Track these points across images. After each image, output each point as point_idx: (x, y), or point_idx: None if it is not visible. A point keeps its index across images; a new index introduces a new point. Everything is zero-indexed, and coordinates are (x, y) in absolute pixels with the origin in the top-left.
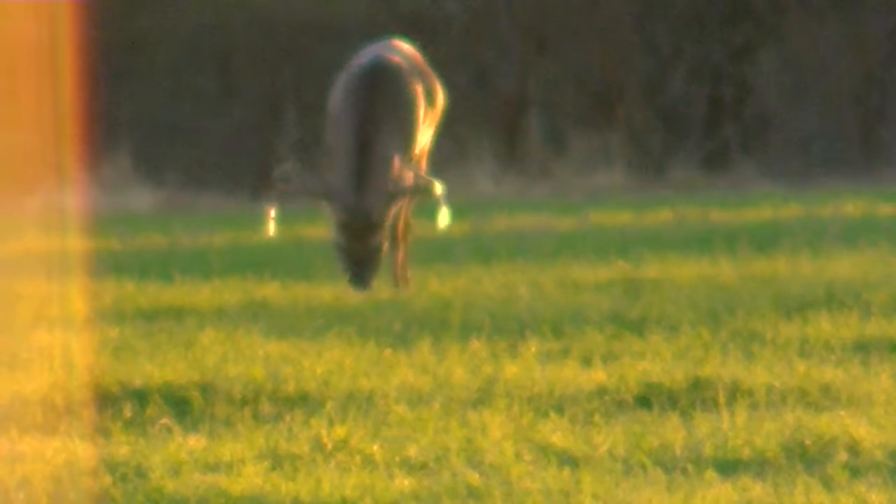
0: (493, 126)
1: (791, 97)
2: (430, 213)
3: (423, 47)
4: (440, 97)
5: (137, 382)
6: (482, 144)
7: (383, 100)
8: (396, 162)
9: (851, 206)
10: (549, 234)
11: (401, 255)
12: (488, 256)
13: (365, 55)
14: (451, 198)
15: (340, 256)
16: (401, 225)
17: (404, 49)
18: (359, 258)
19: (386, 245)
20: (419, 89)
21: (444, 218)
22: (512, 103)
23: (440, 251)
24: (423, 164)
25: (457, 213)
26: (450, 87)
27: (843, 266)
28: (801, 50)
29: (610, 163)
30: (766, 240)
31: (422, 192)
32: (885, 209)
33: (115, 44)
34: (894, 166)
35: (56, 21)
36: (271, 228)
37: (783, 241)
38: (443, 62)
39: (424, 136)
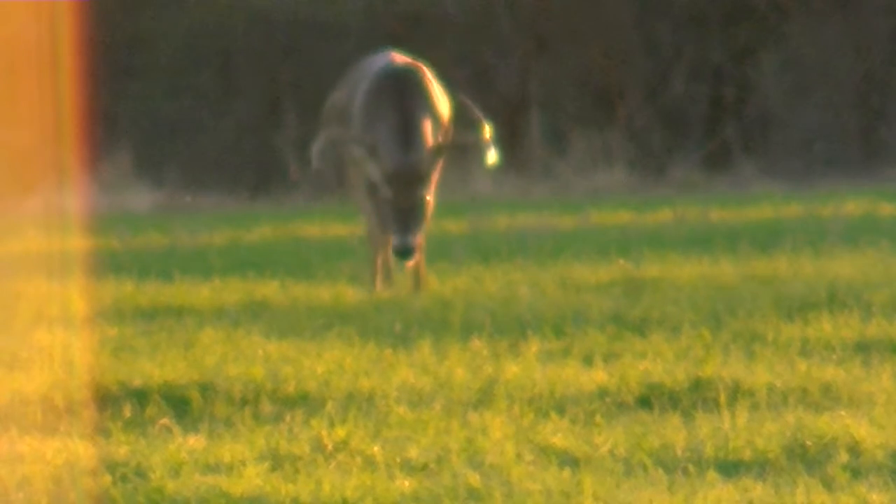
0: (493, 125)
1: (792, 97)
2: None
3: (423, 47)
4: (446, 107)
5: (137, 382)
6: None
7: (419, 93)
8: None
9: (852, 205)
10: (550, 234)
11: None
12: (489, 256)
13: (379, 60)
14: (451, 198)
15: (385, 212)
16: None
17: (410, 60)
18: (405, 208)
19: (431, 202)
20: (433, 92)
21: (492, 156)
22: (512, 103)
23: (441, 250)
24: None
25: (457, 212)
26: (450, 86)
27: (845, 266)
28: (802, 50)
29: (610, 162)
30: (767, 240)
31: (472, 141)
32: (886, 209)
33: (115, 43)
34: (895, 166)
35: (56, 20)
36: (316, 162)
37: (784, 241)
38: (443, 62)
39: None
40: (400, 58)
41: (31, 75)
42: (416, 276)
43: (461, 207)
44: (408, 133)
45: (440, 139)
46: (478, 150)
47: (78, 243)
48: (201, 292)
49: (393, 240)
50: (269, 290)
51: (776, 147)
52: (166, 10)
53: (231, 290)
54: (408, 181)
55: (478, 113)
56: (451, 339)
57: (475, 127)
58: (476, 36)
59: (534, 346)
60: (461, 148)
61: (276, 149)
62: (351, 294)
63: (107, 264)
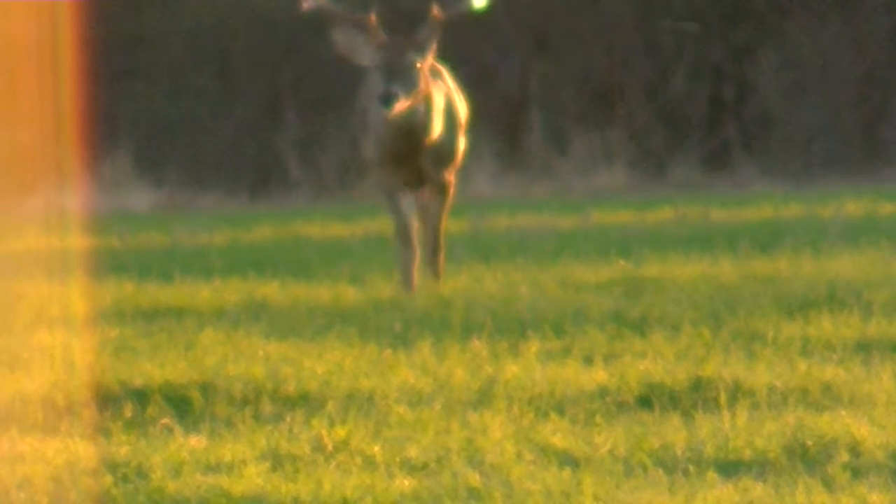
0: (493, 125)
1: (792, 96)
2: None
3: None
4: (463, 108)
5: (138, 382)
6: (483, 143)
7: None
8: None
9: (853, 205)
10: (550, 234)
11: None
12: (489, 256)
13: None
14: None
15: (375, 77)
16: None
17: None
18: (395, 64)
19: (424, 82)
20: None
21: (479, 1)
22: (512, 102)
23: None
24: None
25: (457, 212)
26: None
27: (845, 265)
28: (802, 49)
29: (611, 162)
30: (767, 239)
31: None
32: (886, 208)
33: (116, 43)
34: (895, 165)
35: (56, 20)
36: (307, 3)
37: (784, 241)
38: (443, 61)
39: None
40: None
41: (31, 75)
42: (435, 267)
43: (461, 207)
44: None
45: (435, 13)
46: (466, 4)
47: (78, 243)
48: (202, 292)
49: (378, 90)
50: (270, 290)
51: (776, 146)
52: (166, 10)
53: (231, 291)
54: (401, 45)
55: None
56: (451, 339)
57: None
58: (476, 35)
59: (534, 346)
60: (455, 14)
61: (276, 149)
62: (351, 294)
63: (107, 264)
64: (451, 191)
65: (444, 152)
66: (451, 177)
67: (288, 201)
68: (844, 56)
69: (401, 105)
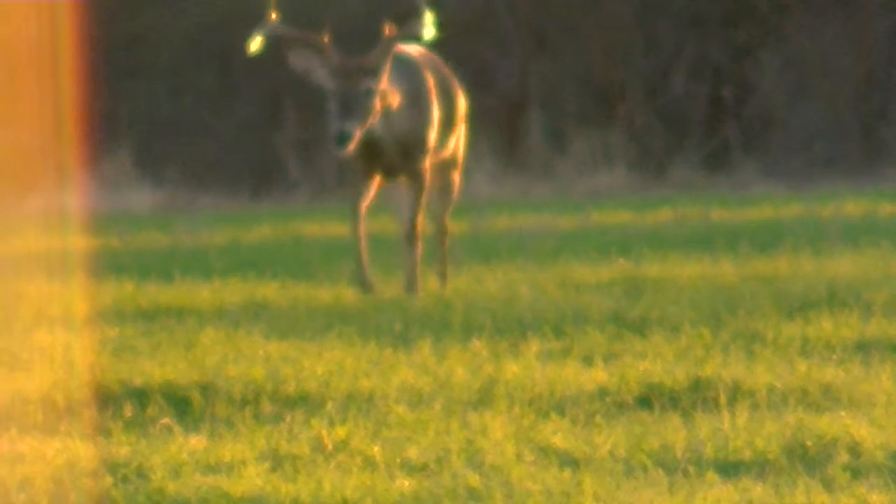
0: (493, 125)
1: (792, 97)
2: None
3: (423, 46)
4: (460, 101)
5: (138, 382)
6: (482, 144)
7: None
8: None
9: (852, 205)
10: (550, 234)
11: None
12: (489, 256)
13: None
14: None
15: (329, 105)
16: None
17: (422, 49)
18: (349, 95)
19: (377, 106)
20: (432, 83)
21: (429, 32)
22: (512, 102)
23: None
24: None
25: (457, 213)
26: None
27: (845, 266)
28: (802, 49)
29: (611, 162)
30: (767, 239)
31: (412, 22)
32: (886, 209)
33: (116, 42)
34: (895, 166)
35: (56, 19)
36: (255, 44)
37: (784, 241)
38: (443, 61)
39: (444, 138)
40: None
41: (31, 75)
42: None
43: (461, 208)
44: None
45: (387, 33)
46: (419, 27)
47: (78, 243)
48: (202, 292)
49: (332, 127)
50: (270, 290)
51: (776, 147)
52: (167, 9)
53: (231, 291)
54: (354, 71)
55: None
56: (452, 339)
57: (418, 13)
58: (476, 35)
59: (534, 346)
60: (408, 34)
61: (276, 149)
62: (351, 294)
63: (107, 264)
64: (426, 181)
65: (411, 144)
66: (424, 166)
67: (288, 201)
68: (845, 56)
69: (355, 139)
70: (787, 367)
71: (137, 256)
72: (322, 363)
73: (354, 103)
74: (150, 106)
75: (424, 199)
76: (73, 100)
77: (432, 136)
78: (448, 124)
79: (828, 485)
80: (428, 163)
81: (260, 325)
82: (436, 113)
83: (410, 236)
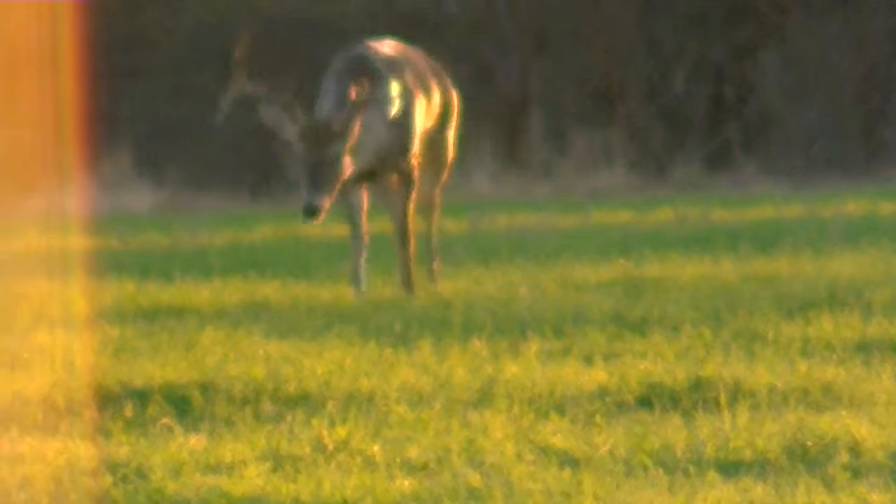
0: (493, 125)
1: (793, 96)
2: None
3: (424, 46)
4: (446, 96)
5: (138, 382)
6: (483, 143)
7: (363, 71)
8: (367, 82)
9: (853, 205)
10: (551, 234)
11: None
12: (489, 256)
13: (352, 47)
14: (450, 197)
15: (297, 170)
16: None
17: (398, 45)
18: (316, 163)
19: (346, 166)
20: (411, 83)
21: (395, 110)
22: (513, 102)
23: (441, 251)
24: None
25: (457, 212)
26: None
27: (845, 265)
28: (802, 49)
29: (611, 162)
30: (767, 239)
31: (381, 95)
32: (886, 208)
33: (116, 42)
34: None
35: (56, 20)
36: (222, 114)
37: (785, 241)
38: (443, 61)
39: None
40: (381, 44)
41: (31, 75)
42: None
43: (461, 207)
44: (338, 91)
45: (353, 96)
46: (386, 102)
47: (78, 243)
48: (202, 292)
49: (302, 198)
50: (270, 290)
51: (777, 147)
52: (167, 9)
53: (232, 291)
54: (321, 135)
55: (384, 72)
56: (452, 339)
57: (384, 82)
58: (476, 34)
59: (534, 346)
60: (373, 101)
61: (276, 149)
62: (351, 294)
63: (107, 264)
64: (415, 178)
65: (395, 152)
66: (412, 164)
67: (288, 201)
68: (845, 56)
69: (325, 211)
70: (787, 367)
71: (137, 256)
72: (322, 363)
73: (322, 173)
74: (150, 106)
75: (415, 196)
76: (73, 100)
77: (416, 141)
78: (433, 120)
79: (828, 484)
80: (415, 161)
81: (260, 325)
82: (419, 118)
83: (403, 234)
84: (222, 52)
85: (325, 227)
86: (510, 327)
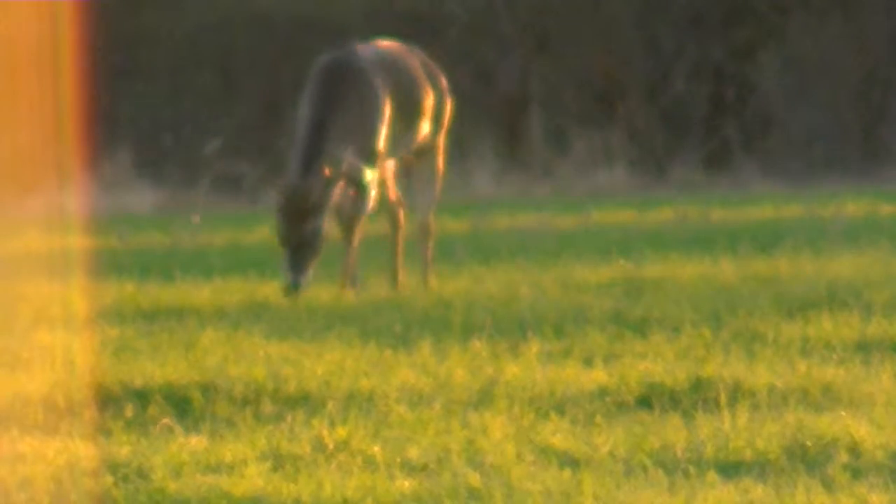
0: (494, 125)
1: (793, 96)
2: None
3: (424, 46)
4: (440, 100)
5: (138, 382)
6: (483, 143)
7: (339, 92)
8: (349, 152)
9: (853, 205)
10: (551, 234)
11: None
12: (489, 256)
13: (330, 53)
14: (451, 198)
15: (279, 244)
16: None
17: (386, 46)
18: (294, 242)
19: (325, 234)
20: (381, 85)
21: (370, 202)
22: (513, 102)
23: (441, 251)
24: (438, 163)
25: (458, 212)
26: (452, 85)
27: (845, 266)
28: (802, 49)
29: (611, 162)
30: (767, 239)
31: (353, 178)
32: (886, 209)
33: (116, 43)
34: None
35: (56, 20)
36: (197, 218)
37: (785, 241)
38: (443, 61)
39: (406, 132)
40: (354, 50)
41: (31, 75)
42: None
43: (462, 207)
44: (309, 160)
45: (330, 170)
46: (359, 190)
47: (79, 243)
48: (202, 293)
49: (283, 276)
50: (270, 290)
51: (777, 147)
52: (167, 10)
53: (232, 291)
54: (299, 213)
55: (355, 165)
56: (452, 339)
57: (356, 178)
58: (477, 35)
59: (534, 347)
60: (348, 178)
61: (276, 149)
62: (351, 295)
63: (107, 264)
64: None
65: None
66: (374, 165)
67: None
68: (845, 56)
69: (306, 285)
70: (787, 367)
71: (138, 257)
72: (322, 363)
73: (302, 251)
74: (150, 106)
75: (369, 204)
76: (73, 100)
77: (380, 142)
78: (409, 117)
79: (828, 485)
80: (377, 164)
81: (260, 326)
82: (383, 121)
83: (348, 235)
84: (222, 52)
85: (325, 229)
86: (510, 327)
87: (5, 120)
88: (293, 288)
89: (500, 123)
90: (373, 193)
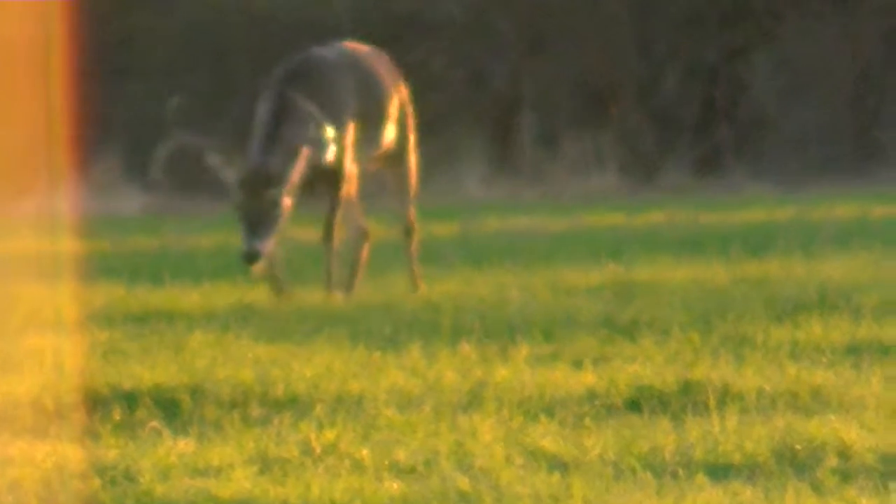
0: (485, 127)
1: (786, 99)
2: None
3: (418, 47)
4: (403, 103)
5: (127, 385)
6: (474, 146)
7: (303, 81)
8: (314, 107)
9: (844, 208)
10: (541, 237)
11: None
12: (479, 259)
13: (297, 53)
14: (441, 200)
15: (237, 218)
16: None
17: (349, 47)
18: (253, 211)
19: (286, 208)
20: (346, 80)
21: (330, 154)
22: (505, 104)
23: (431, 253)
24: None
25: (448, 215)
26: (443, 87)
27: (836, 269)
28: (796, 51)
29: (602, 165)
30: (758, 242)
31: (314, 138)
32: (877, 211)
33: (108, 43)
34: (889, 168)
35: (48, 20)
36: (157, 171)
37: (776, 244)
38: (437, 62)
39: (373, 134)
40: (329, 49)
41: (22, 77)
42: (411, 277)
43: (452, 210)
44: (270, 137)
45: (295, 144)
46: (320, 146)
47: (69, 246)
48: (191, 296)
49: (241, 245)
50: (259, 293)
51: (769, 149)
52: (160, 9)
53: (221, 294)
54: (258, 183)
55: (317, 115)
56: (441, 342)
57: (316, 125)
58: (470, 36)
59: (523, 350)
60: (309, 142)
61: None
62: (339, 297)
63: (97, 267)
64: (343, 183)
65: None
66: (342, 163)
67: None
68: (839, 58)
69: (265, 255)
70: (776, 371)
71: (128, 259)
72: (311, 366)
73: (260, 219)
74: (143, 107)
75: (343, 199)
76: (65, 101)
77: (348, 135)
78: (374, 120)
79: (817, 488)
80: (346, 163)
81: (249, 328)
82: (350, 114)
83: (327, 236)
84: (215, 52)
85: (315, 230)
86: (500, 330)
87: None
88: (250, 256)
89: (491, 125)
90: (332, 149)
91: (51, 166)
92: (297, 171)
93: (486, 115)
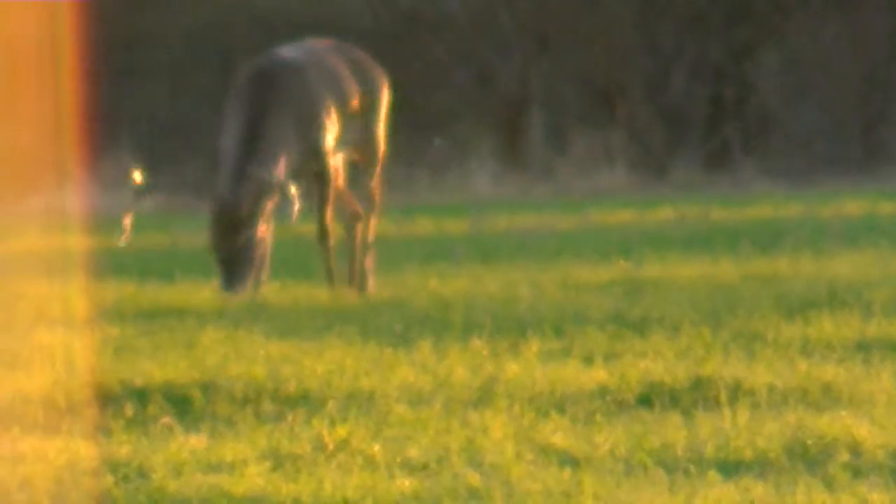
0: (494, 125)
1: (792, 96)
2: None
3: (424, 46)
4: (370, 90)
5: (139, 382)
6: (483, 143)
7: (272, 96)
8: (282, 160)
9: (852, 205)
10: (551, 234)
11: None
12: (489, 256)
13: (261, 56)
14: (451, 198)
15: (211, 256)
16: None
17: (310, 45)
18: (225, 256)
19: (263, 241)
20: (317, 80)
21: (295, 214)
22: (513, 102)
23: (441, 251)
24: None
25: (457, 212)
26: (450, 85)
27: (845, 265)
28: (802, 49)
29: (611, 162)
30: (767, 239)
31: (279, 190)
32: (886, 208)
33: (116, 42)
34: (895, 165)
35: (56, 20)
36: (126, 237)
37: (784, 241)
38: (443, 61)
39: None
40: (285, 51)
41: (31, 75)
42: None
43: (461, 207)
44: (240, 172)
45: (257, 185)
46: (288, 202)
47: (78, 243)
48: (202, 292)
49: (222, 285)
50: (270, 290)
51: (776, 147)
52: (167, 9)
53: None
54: (231, 228)
55: (279, 180)
56: (452, 338)
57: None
58: (477, 35)
59: (534, 346)
60: (275, 190)
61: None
62: (351, 294)
63: (108, 264)
64: (330, 178)
65: (310, 154)
66: (327, 164)
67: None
68: (845, 56)
69: (247, 289)
70: (787, 367)
71: (138, 257)
72: (323, 363)
73: (235, 263)
74: (151, 106)
75: (331, 196)
76: (73, 100)
77: (329, 138)
78: (346, 110)
79: (828, 484)
80: (329, 161)
81: (260, 325)
82: (327, 114)
83: (322, 236)
84: (221, 51)
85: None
86: (510, 327)
87: (5, 119)
88: (232, 293)
89: (499, 123)
90: (297, 207)
91: (60, 164)
92: (269, 206)
93: (496, 113)
